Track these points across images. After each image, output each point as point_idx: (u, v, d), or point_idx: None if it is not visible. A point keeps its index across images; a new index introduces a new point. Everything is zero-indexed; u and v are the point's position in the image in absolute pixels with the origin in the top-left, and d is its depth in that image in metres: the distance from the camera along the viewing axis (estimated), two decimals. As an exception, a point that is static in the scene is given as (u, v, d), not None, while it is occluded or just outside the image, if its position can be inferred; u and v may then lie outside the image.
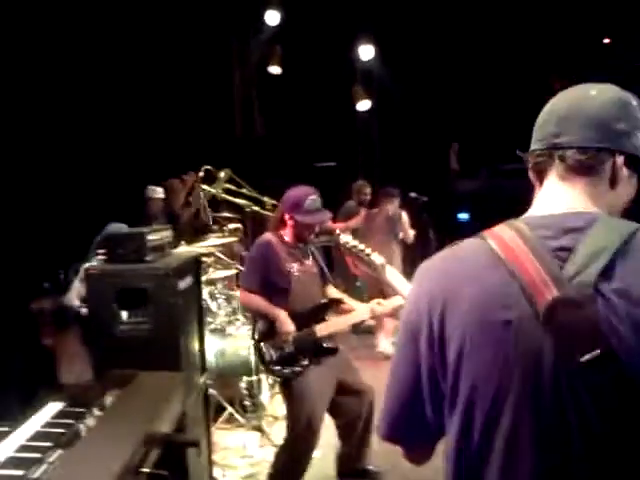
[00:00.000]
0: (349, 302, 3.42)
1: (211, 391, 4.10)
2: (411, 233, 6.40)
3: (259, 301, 3.19)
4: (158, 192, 5.89)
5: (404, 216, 6.35)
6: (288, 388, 3.21)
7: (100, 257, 2.95)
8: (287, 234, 3.30)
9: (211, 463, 3.39)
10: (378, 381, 5.31)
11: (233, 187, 5.17)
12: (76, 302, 4.13)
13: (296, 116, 9.62)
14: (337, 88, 9.45)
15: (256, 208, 4.65)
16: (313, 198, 3.26)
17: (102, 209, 4.99)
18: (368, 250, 2.02)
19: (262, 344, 3.19)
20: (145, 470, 1.63)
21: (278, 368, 3.16)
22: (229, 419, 4.37)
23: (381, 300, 3.28)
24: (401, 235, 6.34)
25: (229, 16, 8.47)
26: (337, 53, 9.12)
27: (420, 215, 7.54)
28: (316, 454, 3.45)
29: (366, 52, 9.19)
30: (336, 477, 3.52)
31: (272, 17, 8.43)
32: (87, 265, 4.04)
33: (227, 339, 4.47)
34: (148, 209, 5.79)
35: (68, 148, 5.55)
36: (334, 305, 3.38)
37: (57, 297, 4.39)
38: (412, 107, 9.64)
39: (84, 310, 3.92)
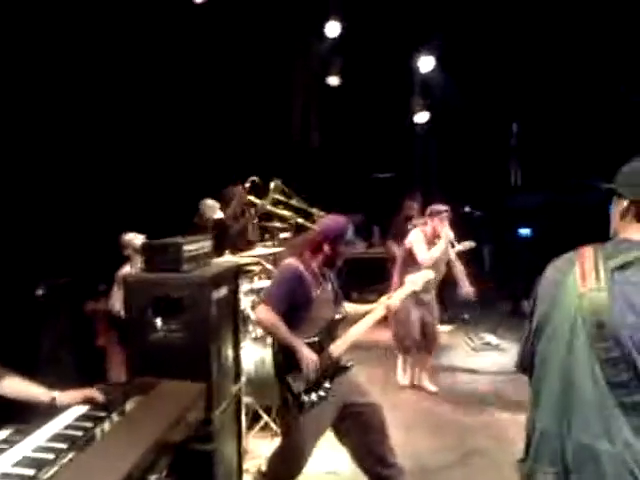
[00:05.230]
0: (366, 307, 3.49)
1: (248, 399, 4.17)
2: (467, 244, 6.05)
3: (282, 328, 3.14)
4: (212, 207, 5.86)
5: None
6: (298, 414, 3.18)
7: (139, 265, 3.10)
8: (315, 260, 3.32)
9: (241, 470, 3.45)
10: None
11: (283, 198, 5.24)
12: (117, 307, 4.34)
13: (354, 127, 9.66)
14: (396, 99, 9.43)
15: (301, 220, 4.69)
16: (352, 229, 3.34)
17: (153, 216, 5.15)
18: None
19: (288, 377, 3.20)
20: (152, 477, 1.70)
21: (307, 398, 3.18)
22: (265, 427, 4.43)
23: (391, 294, 3.46)
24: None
25: (290, 27, 8.60)
26: (397, 64, 9.12)
27: (475, 230, 7.39)
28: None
29: (425, 63, 9.16)
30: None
31: (332, 28, 8.53)
32: (123, 272, 4.27)
33: (267, 348, 4.52)
34: (200, 220, 5.82)
35: (123, 154, 5.78)
36: (346, 319, 3.43)
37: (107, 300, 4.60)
38: (471, 118, 9.51)
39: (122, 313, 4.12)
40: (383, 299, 3.48)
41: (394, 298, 3.48)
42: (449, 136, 9.78)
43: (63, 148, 5.09)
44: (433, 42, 8.97)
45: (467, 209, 7.38)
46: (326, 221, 3.41)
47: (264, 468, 3.52)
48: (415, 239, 5.29)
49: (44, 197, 4.76)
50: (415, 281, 3.60)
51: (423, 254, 5.13)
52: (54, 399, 2.06)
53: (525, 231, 9.98)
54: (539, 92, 8.93)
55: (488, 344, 6.89)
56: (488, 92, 9.26)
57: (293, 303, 3.17)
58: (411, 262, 5.16)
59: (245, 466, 3.64)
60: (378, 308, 3.43)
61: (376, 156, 9.98)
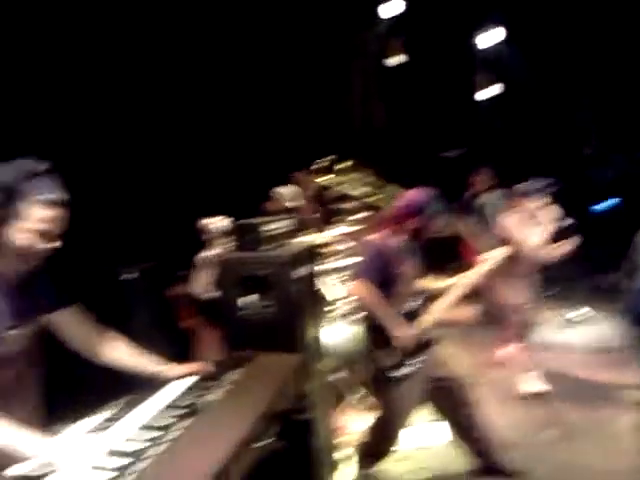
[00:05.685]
0: (447, 283, 3.46)
1: (337, 376, 4.21)
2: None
3: (380, 303, 3.19)
4: (283, 195, 5.86)
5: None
6: (388, 389, 3.25)
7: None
8: (400, 235, 3.32)
9: (332, 445, 3.49)
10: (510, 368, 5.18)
11: (357, 177, 5.24)
12: (199, 289, 4.43)
13: (420, 105, 9.51)
14: (459, 75, 9.24)
15: (374, 198, 4.68)
16: (436, 202, 3.33)
17: (225, 202, 5.23)
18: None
19: (379, 353, 3.23)
20: (261, 444, 1.74)
21: (396, 373, 3.20)
22: (355, 404, 4.45)
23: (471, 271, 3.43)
24: None
25: (348, 8, 8.54)
26: (461, 39, 8.94)
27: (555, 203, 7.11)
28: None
29: (491, 37, 8.96)
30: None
31: (393, 7, 8.42)
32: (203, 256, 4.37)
33: (354, 325, 4.54)
34: (273, 206, 5.82)
35: (198, 144, 5.90)
36: (429, 296, 3.46)
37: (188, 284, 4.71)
38: (540, 90, 9.21)
39: (208, 295, 4.23)
40: (463, 276, 3.46)
41: (474, 274, 3.46)
42: (518, 110, 9.52)
43: (147, 137, 5.24)
44: (498, 14, 8.75)
45: (540, 183, 7.13)
46: (409, 195, 3.40)
47: (358, 443, 3.57)
48: (512, 225, 4.76)
49: (130, 188, 4.92)
50: (494, 257, 3.55)
51: (529, 242, 4.60)
52: (164, 371, 2.14)
53: (607, 203, 9.60)
54: (610, 60, 8.58)
55: (576, 319, 6.69)
56: (557, 63, 8.97)
57: (381, 279, 3.19)
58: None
59: (336, 442, 3.68)
60: (459, 285, 3.42)
61: (444, 134, 9.80)
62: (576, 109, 9.82)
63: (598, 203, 9.59)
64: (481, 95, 9.56)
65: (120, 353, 2.11)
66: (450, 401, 3.35)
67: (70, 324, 2.03)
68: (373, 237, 3.38)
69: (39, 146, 2.24)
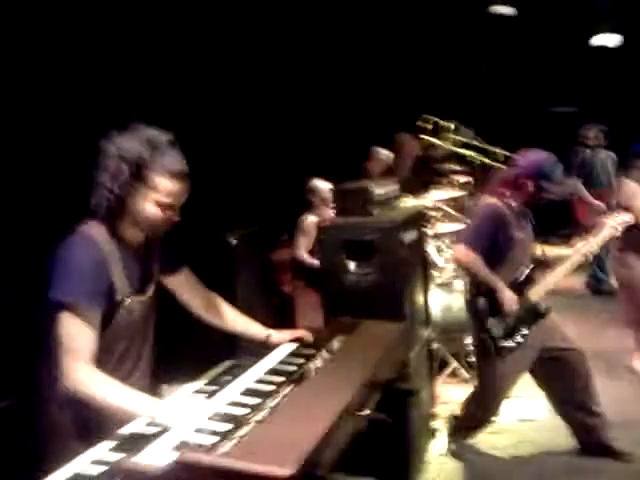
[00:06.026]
0: (562, 252, 3.29)
1: (436, 345, 4.13)
2: None
3: (484, 268, 3.06)
4: (382, 154, 5.80)
5: None
6: (495, 359, 3.12)
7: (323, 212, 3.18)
8: (516, 199, 3.15)
9: (431, 414, 3.44)
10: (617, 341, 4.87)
11: (461, 138, 5.03)
12: (302, 254, 4.46)
13: (528, 56, 8.94)
14: (573, 25, 8.57)
15: (486, 160, 4.45)
16: (560, 168, 3.13)
17: (329, 161, 5.17)
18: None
19: (488, 321, 3.10)
20: (364, 413, 1.71)
21: (505, 343, 3.08)
22: (453, 373, 4.38)
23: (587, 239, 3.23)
24: None
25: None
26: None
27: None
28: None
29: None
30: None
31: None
32: (307, 221, 4.36)
33: (454, 294, 4.43)
34: (370, 167, 5.74)
35: (301, 107, 5.87)
36: (542, 264, 3.27)
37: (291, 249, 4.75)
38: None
39: (310, 261, 4.27)
40: (580, 245, 3.25)
41: (592, 244, 3.24)
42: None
43: (250, 103, 5.26)
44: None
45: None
46: (528, 157, 3.20)
47: (457, 413, 3.49)
48: (632, 191, 4.25)
49: (234, 154, 4.98)
50: (615, 225, 3.29)
51: None
52: (269, 336, 2.15)
53: None
54: None
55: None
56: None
57: (494, 244, 3.06)
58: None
59: (435, 411, 3.63)
60: (576, 254, 3.21)
61: (555, 88, 9.19)
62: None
63: None
64: (595, 41, 8.81)
65: (227, 316, 2.15)
66: (564, 372, 3.18)
67: (182, 287, 2.07)
68: (488, 200, 3.22)
69: (148, 113, 2.24)
